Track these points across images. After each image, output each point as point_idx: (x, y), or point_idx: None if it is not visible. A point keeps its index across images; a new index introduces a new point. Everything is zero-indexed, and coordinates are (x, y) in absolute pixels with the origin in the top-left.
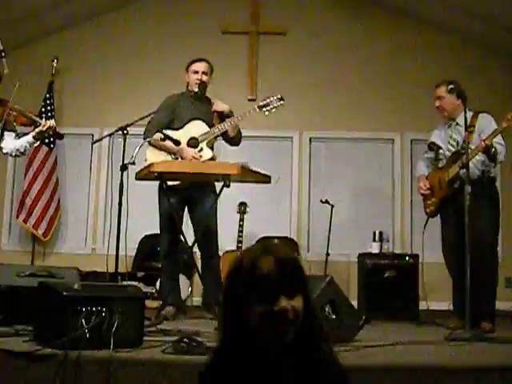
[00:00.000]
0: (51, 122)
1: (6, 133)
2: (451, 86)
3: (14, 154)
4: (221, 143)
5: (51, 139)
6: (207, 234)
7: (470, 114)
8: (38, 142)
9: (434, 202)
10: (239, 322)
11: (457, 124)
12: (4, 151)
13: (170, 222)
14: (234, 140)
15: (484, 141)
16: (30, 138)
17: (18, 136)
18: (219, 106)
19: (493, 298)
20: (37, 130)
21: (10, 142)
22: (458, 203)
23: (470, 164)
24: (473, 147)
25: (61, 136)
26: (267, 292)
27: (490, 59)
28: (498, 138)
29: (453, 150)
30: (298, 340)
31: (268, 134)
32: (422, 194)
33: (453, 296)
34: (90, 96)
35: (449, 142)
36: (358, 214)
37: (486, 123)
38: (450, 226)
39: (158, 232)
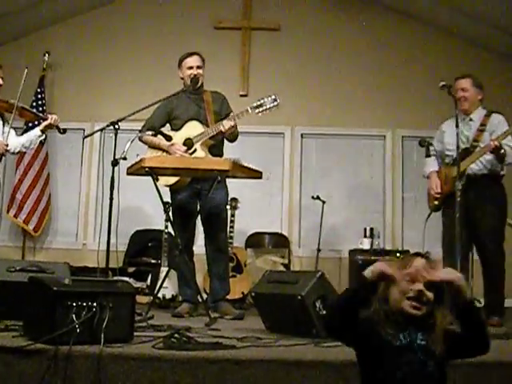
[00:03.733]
0: (55, 117)
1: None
2: (478, 81)
3: (17, 151)
4: None
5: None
6: (217, 227)
7: (483, 113)
8: (44, 136)
9: (439, 197)
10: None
11: (470, 120)
12: (7, 148)
13: (183, 216)
14: (231, 137)
15: (493, 141)
16: (37, 132)
17: (16, 132)
18: (226, 127)
19: (502, 293)
20: (45, 123)
21: (14, 140)
22: (464, 201)
23: (478, 162)
24: (482, 146)
25: (64, 130)
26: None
27: (483, 58)
28: (508, 140)
29: (462, 146)
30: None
31: (259, 130)
32: (429, 194)
33: None
34: (82, 91)
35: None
36: (349, 210)
37: (498, 124)
38: (454, 222)
39: (150, 227)
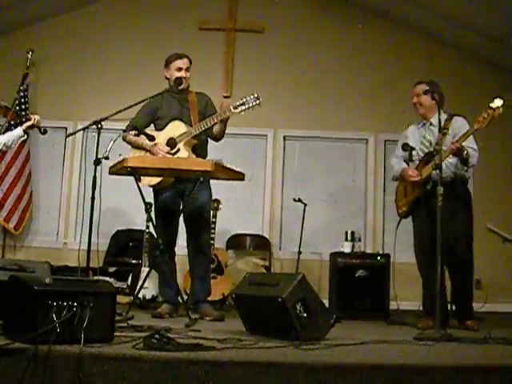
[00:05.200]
0: (38, 117)
1: None
2: (427, 88)
3: None
4: None
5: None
6: (200, 228)
7: (444, 116)
8: (26, 136)
9: (406, 203)
10: None
11: (431, 124)
12: None
13: (165, 217)
14: (219, 136)
15: (454, 143)
16: (19, 131)
17: None
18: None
19: (472, 296)
20: (28, 123)
21: None
22: (430, 205)
23: (443, 165)
24: (444, 149)
25: (45, 131)
26: None
27: (463, 62)
28: (471, 142)
29: (426, 150)
30: None
31: (242, 132)
32: (415, 182)
33: (424, 296)
34: (65, 89)
35: (422, 143)
36: (330, 213)
37: (460, 126)
38: (423, 227)
39: (132, 227)
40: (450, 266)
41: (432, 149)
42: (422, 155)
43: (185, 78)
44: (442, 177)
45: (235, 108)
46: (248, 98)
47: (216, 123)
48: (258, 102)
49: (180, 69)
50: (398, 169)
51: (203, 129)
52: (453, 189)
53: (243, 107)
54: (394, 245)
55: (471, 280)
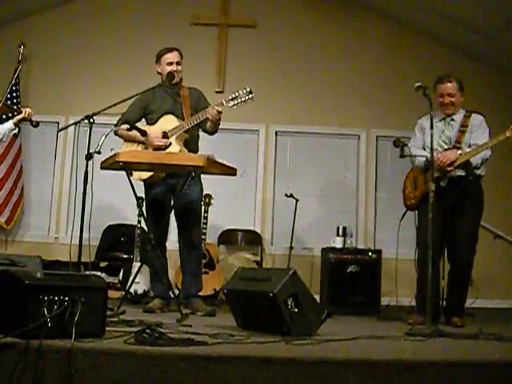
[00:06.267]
0: (29, 110)
1: None
2: (461, 83)
3: None
4: None
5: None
6: (192, 223)
7: (463, 113)
8: (17, 129)
9: (416, 196)
10: None
11: (452, 120)
12: None
13: (157, 211)
14: (212, 129)
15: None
16: (10, 125)
17: None
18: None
19: (466, 294)
20: (19, 116)
21: None
22: (444, 202)
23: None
24: (463, 146)
25: (37, 124)
26: None
27: (459, 59)
28: (483, 140)
29: (445, 146)
30: None
31: (234, 127)
32: (405, 193)
33: (419, 291)
34: (57, 83)
35: (440, 138)
36: (322, 208)
37: (479, 124)
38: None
39: (123, 222)
40: (453, 263)
41: (451, 146)
42: (441, 151)
43: (176, 71)
44: (433, 173)
45: (227, 102)
46: (240, 92)
47: (208, 118)
48: (250, 95)
49: (171, 63)
50: (420, 159)
51: (195, 123)
52: (467, 187)
53: (236, 101)
54: (397, 238)
55: (469, 279)
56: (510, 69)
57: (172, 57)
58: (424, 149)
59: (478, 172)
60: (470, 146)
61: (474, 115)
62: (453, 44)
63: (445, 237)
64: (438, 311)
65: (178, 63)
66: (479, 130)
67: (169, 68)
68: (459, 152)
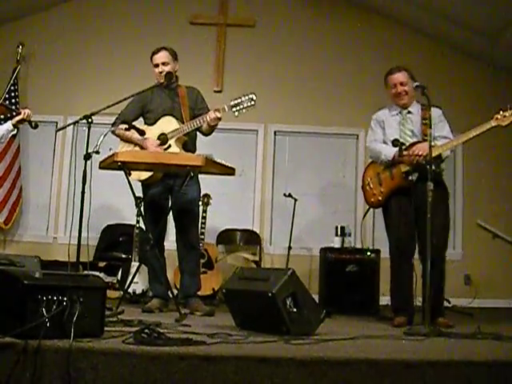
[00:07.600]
0: (28, 111)
1: None
2: (411, 72)
3: None
4: None
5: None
6: (189, 222)
7: (418, 105)
8: (16, 130)
9: (382, 192)
10: None
11: (408, 112)
12: None
13: (155, 211)
14: (208, 132)
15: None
16: (9, 126)
17: None
18: (211, 117)
19: (444, 294)
20: (18, 118)
21: None
22: (415, 198)
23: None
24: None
25: (36, 125)
26: None
27: (456, 58)
28: (448, 132)
29: (409, 140)
30: None
31: (233, 127)
32: (367, 190)
33: (392, 292)
34: (55, 83)
35: (402, 131)
36: (320, 208)
37: (438, 116)
38: (402, 220)
39: (122, 222)
40: (423, 261)
41: (415, 139)
42: (407, 144)
43: (161, 72)
44: (431, 171)
45: (230, 108)
46: (243, 98)
47: (219, 118)
48: (252, 102)
49: (156, 65)
50: (388, 153)
51: (195, 127)
52: (435, 184)
53: (238, 107)
54: (373, 238)
55: (444, 277)
56: (510, 69)
57: (157, 58)
58: (385, 143)
59: (443, 166)
60: (435, 139)
61: (433, 109)
62: (453, 44)
63: (419, 234)
64: (413, 310)
65: (164, 64)
66: (441, 121)
67: (156, 70)
68: (433, 144)
